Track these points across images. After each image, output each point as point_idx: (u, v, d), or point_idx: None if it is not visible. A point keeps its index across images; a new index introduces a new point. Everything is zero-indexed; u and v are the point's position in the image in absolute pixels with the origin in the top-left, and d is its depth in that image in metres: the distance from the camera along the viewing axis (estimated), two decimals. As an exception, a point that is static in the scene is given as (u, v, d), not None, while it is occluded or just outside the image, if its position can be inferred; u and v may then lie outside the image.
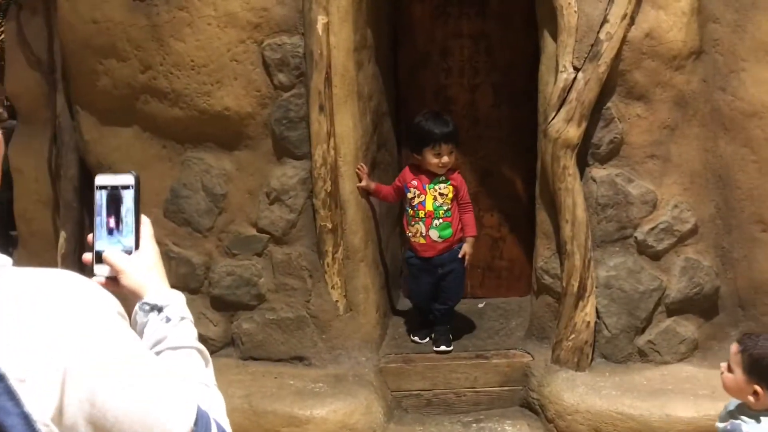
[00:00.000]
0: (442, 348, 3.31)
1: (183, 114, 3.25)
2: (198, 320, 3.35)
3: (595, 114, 3.06)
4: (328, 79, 3.05)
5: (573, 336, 3.11)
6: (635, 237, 3.14)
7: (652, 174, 3.12)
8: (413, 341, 3.42)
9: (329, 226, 3.17)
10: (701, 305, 3.21)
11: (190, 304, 3.39)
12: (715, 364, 3.13)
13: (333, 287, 3.24)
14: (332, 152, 3.12)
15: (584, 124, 3.03)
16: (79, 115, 3.61)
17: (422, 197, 3.28)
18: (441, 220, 3.27)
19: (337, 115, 3.14)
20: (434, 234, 3.27)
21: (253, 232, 3.28)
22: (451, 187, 3.28)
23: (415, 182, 3.30)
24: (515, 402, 3.24)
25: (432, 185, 3.27)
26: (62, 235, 3.69)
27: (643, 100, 3.07)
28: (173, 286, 3.54)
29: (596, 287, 3.12)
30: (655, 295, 3.14)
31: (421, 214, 3.28)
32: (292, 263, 3.25)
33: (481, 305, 3.93)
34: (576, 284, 3.09)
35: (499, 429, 3.06)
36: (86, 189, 3.74)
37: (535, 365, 3.21)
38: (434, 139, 3.19)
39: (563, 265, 3.13)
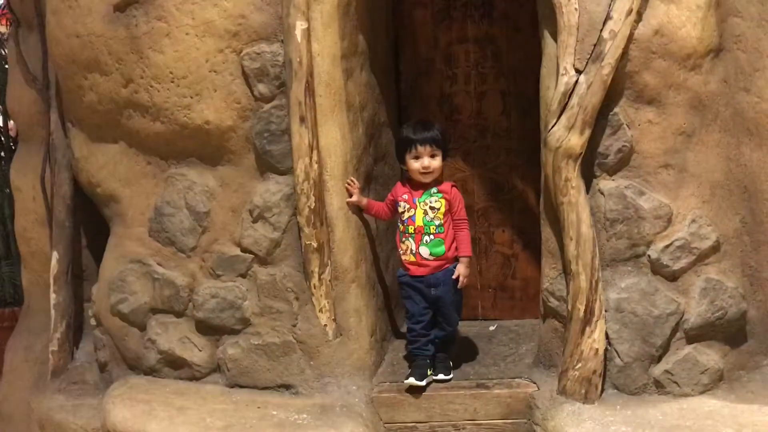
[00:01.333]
0: (440, 377, 3.05)
1: (164, 128, 3.11)
2: (183, 345, 3.23)
3: (601, 120, 2.79)
4: (309, 89, 2.87)
5: (580, 365, 2.82)
6: (648, 255, 2.84)
7: (666, 186, 2.82)
8: (409, 384, 2.96)
9: (315, 245, 2.97)
10: (726, 331, 2.88)
11: (175, 327, 3.24)
12: (743, 397, 2.82)
13: (321, 310, 3.04)
14: (315, 166, 2.93)
15: (587, 132, 2.75)
16: (71, 132, 3.53)
17: (412, 211, 3.05)
18: (432, 236, 3.02)
19: (322, 126, 2.95)
20: (425, 251, 3.03)
21: (237, 251, 3.11)
22: (443, 201, 3.03)
23: (405, 195, 3.08)
24: (519, 436, 2.97)
25: (422, 198, 3.04)
26: (54, 255, 3.61)
27: (654, 104, 2.78)
28: (159, 309, 3.41)
29: (606, 311, 2.83)
30: (671, 319, 2.83)
31: (411, 229, 3.04)
32: (277, 285, 3.06)
33: (492, 328, 3.67)
34: (582, 308, 2.80)
35: (499, 466, 2.80)
36: (79, 208, 3.66)
37: (540, 396, 2.93)
38: (410, 141, 3.00)
39: (569, 287, 2.85)
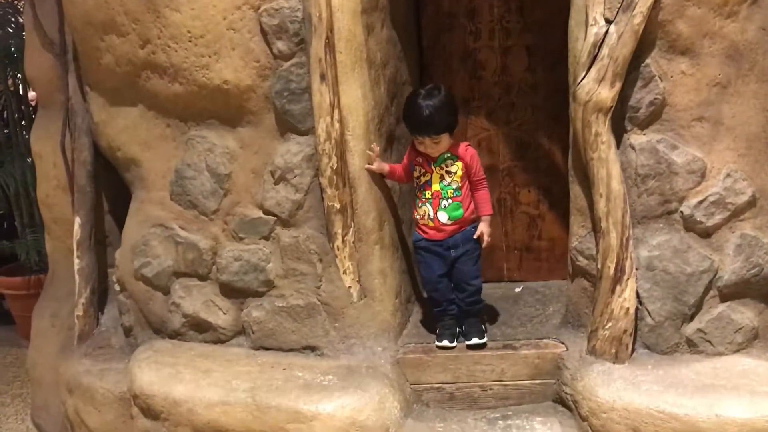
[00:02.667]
0: (474, 341, 2.95)
1: (183, 90, 3.05)
2: (208, 308, 3.22)
3: (632, 72, 2.68)
4: (329, 45, 2.79)
5: (610, 324, 2.76)
6: (681, 212, 2.75)
7: (700, 139, 2.72)
8: (440, 347, 2.97)
9: (337, 206, 2.92)
10: (761, 288, 2.79)
11: (199, 291, 3.23)
12: (779, 355, 2.75)
13: (345, 272, 2.99)
14: (337, 125, 2.86)
15: (618, 85, 2.65)
16: (89, 97, 3.49)
17: (428, 176, 2.95)
18: (450, 201, 2.94)
19: (343, 84, 2.87)
20: (443, 216, 2.95)
21: (259, 214, 3.07)
22: (460, 164, 2.94)
23: (419, 159, 2.97)
24: (547, 397, 2.93)
25: (438, 163, 2.94)
26: (77, 221, 3.60)
27: (688, 55, 2.67)
28: (182, 272, 3.40)
29: (637, 269, 2.76)
30: (705, 277, 2.75)
31: (428, 194, 2.96)
32: (300, 247, 3.02)
33: (518, 289, 3.61)
34: (612, 266, 2.73)
35: (527, 427, 2.76)
36: (100, 174, 3.64)
37: (569, 356, 2.88)
38: (409, 129, 2.92)
39: (598, 245, 2.78)
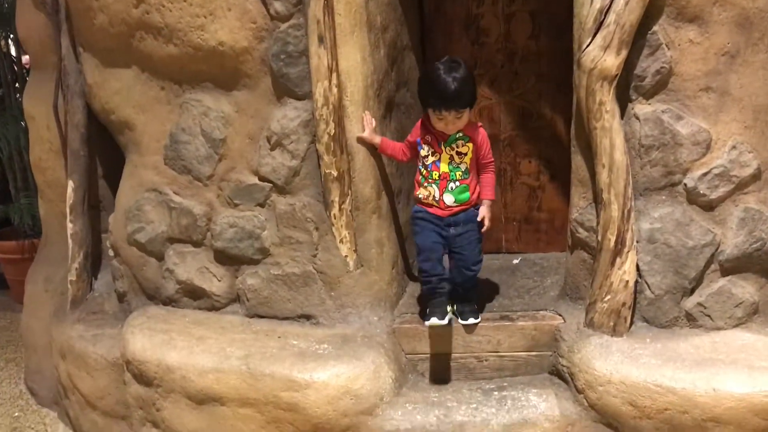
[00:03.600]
0: (470, 321, 2.88)
1: (178, 51, 2.98)
2: (202, 275, 3.18)
3: (638, 40, 2.61)
4: (328, 6, 2.71)
5: (609, 297, 2.73)
6: (684, 184, 2.70)
7: (706, 110, 2.66)
8: (430, 326, 2.81)
9: (334, 173, 2.86)
10: (763, 263, 2.75)
11: (193, 257, 3.18)
12: (778, 331, 2.72)
13: (341, 241, 2.95)
14: (335, 90, 2.79)
15: (624, 52, 2.58)
16: (82, 58, 3.41)
17: (436, 156, 2.81)
18: (457, 183, 2.82)
19: (341, 47, 2.79)
20: (449, 198, 2.83)
21: (255, 180, 3.01)
22: (470, 145, 2.80)
23: (429, 137, 2.82)
24: (544, 369, 2.91)
25: (449, 143, 2.80)
26: (70, 184, 3.54)
27: (696, 22, 2.59)
28: (176, 238, 3.33)
29: (638, 242, 2.72)
30: (706, 250, 2.71)
31: (435, 175, 2.82)
32: (297, 215, 2.97)
33: (516, 261, 3.58)
34: (613, 238, 2.69)
35: (523, 398, 2.74)
36: (94, 137, 3.58)
37: (566, 328, 2.85)
38: (431, 104, 2.73)
39: (599, 217, 2.74)
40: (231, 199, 3.06)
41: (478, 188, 2.88)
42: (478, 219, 2.85)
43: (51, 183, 3.89)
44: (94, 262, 3.68)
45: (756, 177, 2.70)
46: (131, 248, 3.32)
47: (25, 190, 5.23)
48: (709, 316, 2.75)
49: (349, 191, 2.92)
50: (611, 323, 2.74)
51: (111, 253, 3.50)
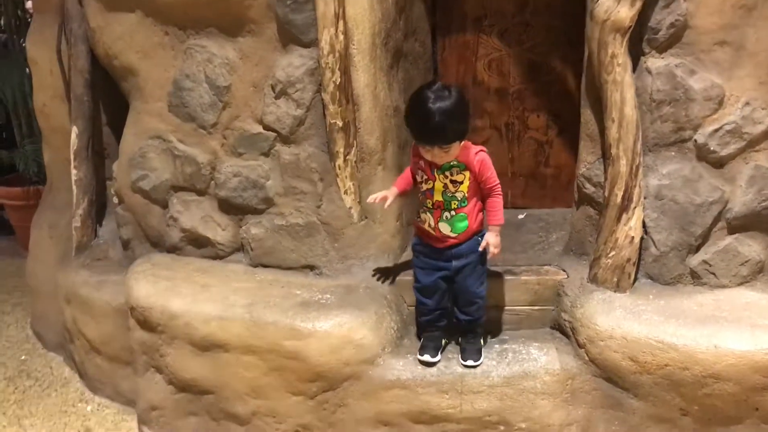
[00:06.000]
0: (470, 363, 2.64)
1: (181, -5, 2.92)
2: (206, 223, 3.17)
3: (654, -9, 2.55)
4: (335, -49, 2.64)
5: (613, 252, 2.71)
6: (695, 140, 2.66)
7: (720, 65, 2.60)
8: (422, 362, 2.64)
9: (340, 123, 2.82)
10: (771, 222, 2.74)
11: (197, 206, 3.16)
12: (783, 289, 2.71)
13: (346, 192, 2.93)
14: (341, 38, 2.74)
15: (639, 4, 2.52)
16: (85, 1, 3.34)
17: (430, 183, 2.56)
18: (453, 213, 2.56)
19: (348, -7, 2.73)
20: (444, 228, 2.59)
21: (259, 129, 2.98)
22: (467, 173, 2.53)
23: (421, 163, 2.56)
24: (546, 323, 2.91)
25: (442, 170, 2.53)
26: (74, 130, 3.51)
27: (714, -27, 2.52)
28: (180, 186, 3.31)
29: (645, 198, 2.69)
30: (714, 208, 2.68)
31: (429, 203, 2.58)
32: (301, 165, 2.95)
33: (521, 216, 3.56)
34: (620, 194, 2.66)
35: (523, 351, 2.75)
36: (98, 84, 3.53)
37: (569, 283, 2.84)
38: (413, 135, 2.52)
39: (607, 172, 2.70)
40: (235, 148, 3.04)
41: (480, 216, 2.63)
42: (481, 247, 2.60)
43: (55, 129, 3.85)
44: (98, 209, 3.67)
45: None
46: (135, 195, 3.31)
47: (30, 136, 5.20)
48: (713, 273, 2.74)
49: (354, 142, 2.89)
50: (615, 279, 2.73)
51: (115, 200, 3.49)
